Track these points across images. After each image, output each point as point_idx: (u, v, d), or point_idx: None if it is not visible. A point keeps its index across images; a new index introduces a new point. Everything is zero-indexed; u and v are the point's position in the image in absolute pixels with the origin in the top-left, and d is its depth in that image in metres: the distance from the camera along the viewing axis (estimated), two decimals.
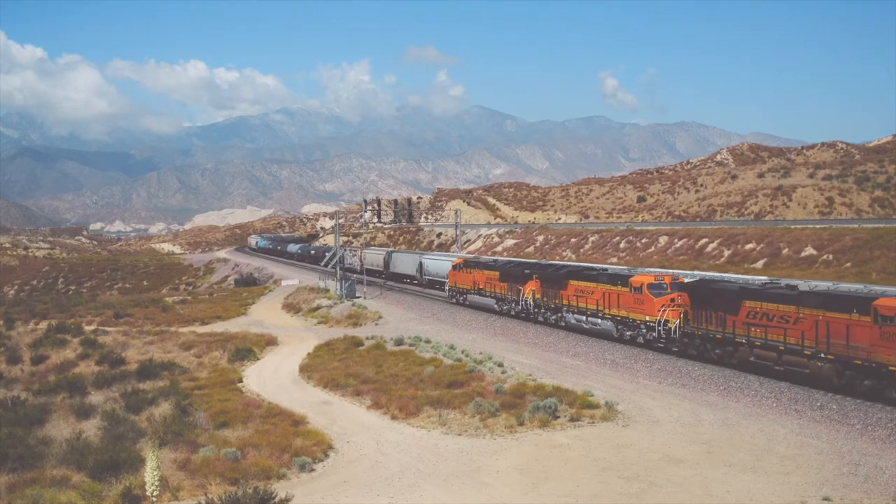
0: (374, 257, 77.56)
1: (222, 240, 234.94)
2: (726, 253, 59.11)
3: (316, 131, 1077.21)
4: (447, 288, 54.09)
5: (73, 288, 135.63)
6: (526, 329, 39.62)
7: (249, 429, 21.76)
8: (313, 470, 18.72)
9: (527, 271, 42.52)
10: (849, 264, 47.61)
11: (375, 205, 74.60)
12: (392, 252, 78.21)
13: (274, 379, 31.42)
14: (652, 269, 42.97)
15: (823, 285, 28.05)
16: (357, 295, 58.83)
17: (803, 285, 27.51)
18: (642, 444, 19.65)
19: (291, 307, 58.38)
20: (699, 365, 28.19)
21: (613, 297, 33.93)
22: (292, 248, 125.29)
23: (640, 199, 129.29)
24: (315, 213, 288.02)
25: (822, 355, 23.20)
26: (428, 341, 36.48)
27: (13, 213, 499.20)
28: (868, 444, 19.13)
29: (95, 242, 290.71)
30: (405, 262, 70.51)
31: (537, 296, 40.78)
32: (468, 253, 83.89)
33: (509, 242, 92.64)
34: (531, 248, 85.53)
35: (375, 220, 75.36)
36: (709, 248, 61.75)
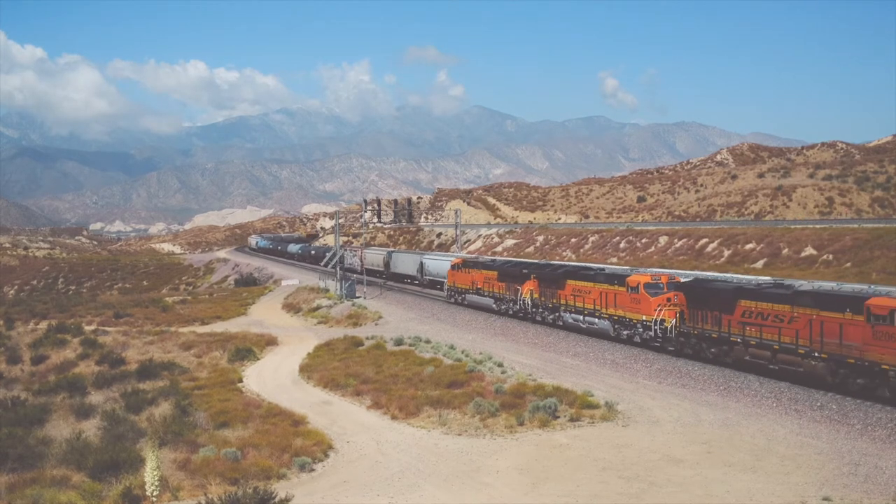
0: (375, 257, 77.54)
1: (222, 240, 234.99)
2: (726, 253, 59.12)
3: (316, 131, 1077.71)
4: (446, 288, 54.15)
5: (73, 288, 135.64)
6: (526, 329, 39.62)
7: (249, 429, 21.75)
8: (313, 470, 18.72)
9: (525, 271, 42.62)
10: (849, 264, 47.61)
11: (375, 205, 74.57)
12: (392, 252, 78.20)
13: (274, 379, 31.42)
14: (655, 270, 42.98)
15: (827, 285, 28.10)
16: (357, 295, 58.84)
17: (806, 285, 27.61)
18: (642, 444, 19.65)
19: (291, 307, 58.38)
20: (699, 365, 28.21)
21: (610, 296, 34.06)
22: (293, 248, 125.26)
23: (640, 199, 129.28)
24: (315, 213, 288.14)
25: (816, 354, 23.40)
26: (428, 341, 36.48)
27: (13, 213, 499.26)
28: (868, 444, 19.13)
29: (95, 242, 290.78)
30: (406, 263, 70.51)
31: (535, 295, 40.88)
32: (468, 253, 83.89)
33: (509, 242, 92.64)
34: (531, 249, 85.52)
35: (375, 220, 75.34)
36: (709, 249, 61.75)
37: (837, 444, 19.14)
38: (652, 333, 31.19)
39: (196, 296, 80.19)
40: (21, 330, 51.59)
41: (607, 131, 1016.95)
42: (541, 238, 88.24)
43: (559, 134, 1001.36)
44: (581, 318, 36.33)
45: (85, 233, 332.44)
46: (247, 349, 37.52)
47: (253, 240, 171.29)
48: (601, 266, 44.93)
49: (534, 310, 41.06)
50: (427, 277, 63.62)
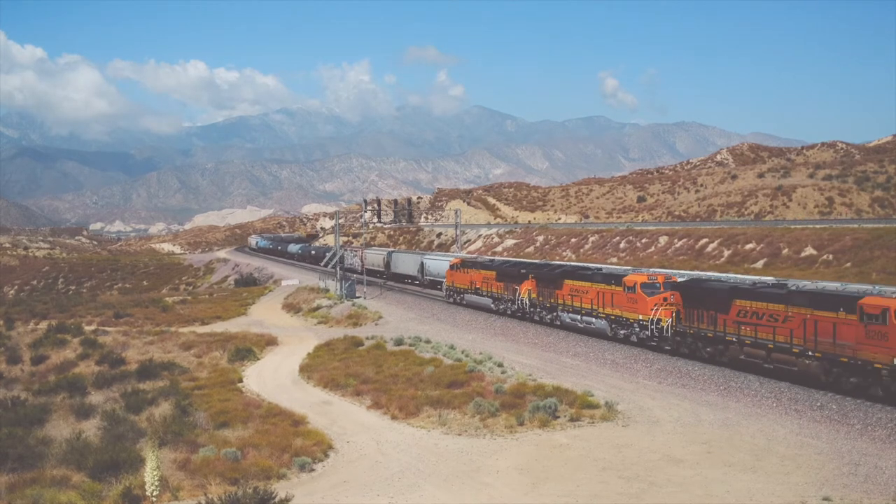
0: (375, 257, 77.57)
1: (222, 240, 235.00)
2: (726, 253, 59.13)
3: (316, 131, 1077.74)
4: (444, 287, 54.24)
5: (73, 288, 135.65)
6: (526, 329, 39.64)
7: (249, 429, 21.76)
8: (313, 470, 18.72)
9: (523, 271, 42.73)
10: (849, 264, 47.63)
11: (375, 205, 74.58)
12: (393, 252, 78.22)
13: (274, 379, 31.42)
14: (657, 270, 43.02)
15: (832, 286, 28.19)
16: (357, 295, 58.85)
17: (811, 285, 27.77)
18: (642, 444, 19.66)
19: (291, 307, 58.39)
20: (699, 365, 28.24)
21: (607, 296, 34.21)
22: (293, 248, 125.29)
23: (640, 199, 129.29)
24: (315, 213, 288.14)
25: (810, 353, 23.58)
26: (428, 341, 36.49)
27: (13, 213, 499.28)
28: (868, 444, 19.14)
29: (95, 242, 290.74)
30: (406, 263, 70.52)
31: (533, 295, 40.99)
32: (468, 253, 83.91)
33: (509, 242, 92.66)
34: (531, 248, 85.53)
35: (375, 220, 75.36)
36: (709, 249, 61.77)
37: (837, 444, 19.15)
38: (648, 333, 31.39)
39: (196, 296, 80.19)
40: (21, 330, 51.60)
41: (607, 131, 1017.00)
42: (541, 238, 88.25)
43: (559, 134, 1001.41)
44: (578, 317, 36.48)
45: (85, 233, 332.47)
46: (247, 349, 37.52)
47: (253, 240, 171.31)
48: (598, 266, 45.06)
49: (531, 309, 41.18)
50: (428, 278, 63.62)
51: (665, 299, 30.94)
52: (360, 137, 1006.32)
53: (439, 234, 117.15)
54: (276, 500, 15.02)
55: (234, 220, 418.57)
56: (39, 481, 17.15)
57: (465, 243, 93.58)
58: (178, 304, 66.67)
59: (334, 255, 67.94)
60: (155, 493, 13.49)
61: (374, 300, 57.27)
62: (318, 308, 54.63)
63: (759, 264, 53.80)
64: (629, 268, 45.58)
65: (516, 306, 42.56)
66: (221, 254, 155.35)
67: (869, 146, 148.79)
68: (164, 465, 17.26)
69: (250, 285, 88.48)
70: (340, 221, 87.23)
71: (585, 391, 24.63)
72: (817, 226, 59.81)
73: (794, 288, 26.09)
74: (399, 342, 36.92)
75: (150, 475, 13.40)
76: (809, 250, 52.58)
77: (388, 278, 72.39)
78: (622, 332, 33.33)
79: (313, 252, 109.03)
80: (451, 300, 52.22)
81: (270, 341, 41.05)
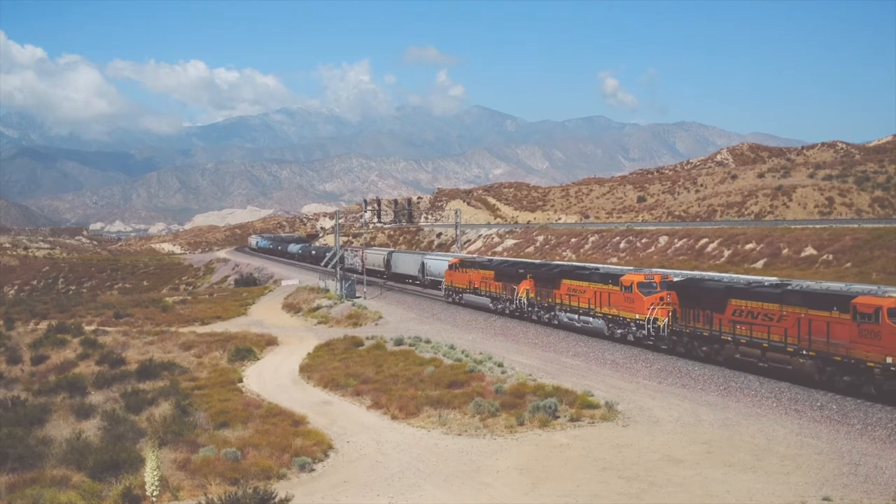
0: (376, 257, 77.57)
1: (222, 240, 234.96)
2: (726, 253, 59.13)
3: (316, 131, 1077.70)
4: (443, 287, 54.29)
5: (73, 288, 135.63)
6: (525, 329, 39.65)
7: (249, 429, 21.76)
8: (313, 470, 18.72)
9: (521, 270, 42.81)
10: (849, 264, 47.63)
11: (375, 205, 74.58)
12: (393, 252, 78.23)
13: (274, 379, 31.42)
14: (656, 270, 43.04)
15: (836, 286, 28.26)
16: (357, 295, 58.85)
17: (814, 286, 27.85)
18: (642, 444, 19.66)
19: (291, 307, 58.39)
20: (699, 365, 28.25)
21: (604, 295, 34.31)
22: (293, 248, 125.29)
23: (640, 199, 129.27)
24: (315, 213, 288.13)
25: (804, 352, 23.73)
26: (428, 341, 36.50)
27: (13, 213, 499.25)
28: (868, 444, 19.14)
29: (95, 242, 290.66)
30: (407, 263, 70.53)
31: (531, 295, 41.08)
32: (469, 253, 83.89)
33: (509, 242, 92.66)
34: (531, 248, 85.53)
35: (375, 220, 75.35)
36: (709, 248, 61.77)
37: (837, 444, 19.15)
38: (645, 332, 31.52)
39: (196, 296, 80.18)
40: (21, 330, 51.60)
41: (607, 131, 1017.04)
42: (541, 238, 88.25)
43: (559, 134, 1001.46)
44: (576, 317, 36.59)
45: (85, 233, 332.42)
46: (247, 349, 37.53)
47: (253, 240, 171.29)
48: (596, 266, 45.19)
49: (530, 309, 41.27)
50: (429, 278, 63.63)
51: (661, 299, 31.09)
52: (360, 137, 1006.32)
53: (439, 234, 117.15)
54: (276, 500, 15.02)
55: (234, 220, 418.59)
56: (39, 481, 17.15)
57: (465, 243, 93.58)
58: (178, 304, 66.66)
59: (334, 255, 67.94)
60: (155, 493, 13.49)
61: (374, 300, 57.27)
62: (318, 308, 54.64)
63: (759, 264, 53.81)
64: (627, 267, 45.61)
65: (514, 306, 42.63)
66: (221, 254, 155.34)
67: (869, 146, 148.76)
68: (164, 465, 17.26)
69: (250, 285, 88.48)
70: (340, 221, 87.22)
71: (585, 391, 24.63)
72: (817, 226, 59.81)
73: (794, 288, 26.15)
74: (399, 342, 36.92)
75: (150, 475, 13.40)
76: (809, 250, 52.58)
77: (388, 278, 72.39)
78: (619, 331, 33.46)
79: (313, 252, 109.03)
80: (450, 300, 52.27)
81: (270, 341, 41.05)
